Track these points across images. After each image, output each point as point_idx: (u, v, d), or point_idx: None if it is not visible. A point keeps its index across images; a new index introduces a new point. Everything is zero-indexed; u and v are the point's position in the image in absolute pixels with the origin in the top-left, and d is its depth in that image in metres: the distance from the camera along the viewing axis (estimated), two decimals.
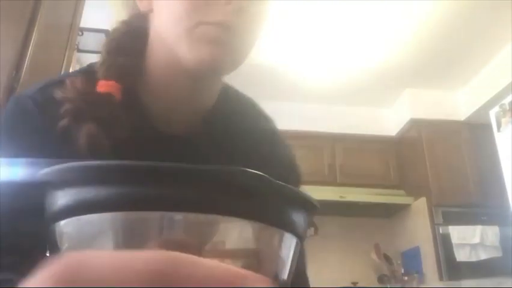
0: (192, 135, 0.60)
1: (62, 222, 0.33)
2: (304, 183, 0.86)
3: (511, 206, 2.77)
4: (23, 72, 1.39)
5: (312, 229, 3.75)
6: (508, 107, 2.89)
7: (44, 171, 0.32)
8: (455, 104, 3.84)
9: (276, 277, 0.36)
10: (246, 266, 0.32)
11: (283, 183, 0.32)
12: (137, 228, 0.30)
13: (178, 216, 0.29)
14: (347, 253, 3.77)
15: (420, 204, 3.48)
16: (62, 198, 0.34)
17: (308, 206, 0.36)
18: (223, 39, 0.50)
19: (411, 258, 3.52)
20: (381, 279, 3.53)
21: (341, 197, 3.47)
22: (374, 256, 3.61)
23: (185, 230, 0.30)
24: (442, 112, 3.77)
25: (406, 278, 3.48)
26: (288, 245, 0.36)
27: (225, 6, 0.49)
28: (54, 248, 0.36)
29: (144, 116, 0.57)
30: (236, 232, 0.31)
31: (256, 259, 0.33)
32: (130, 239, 0.31)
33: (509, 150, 2.80)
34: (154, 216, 0.29)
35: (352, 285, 3.53)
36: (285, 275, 0.37)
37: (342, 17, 2.95)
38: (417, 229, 3.50)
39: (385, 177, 3.77)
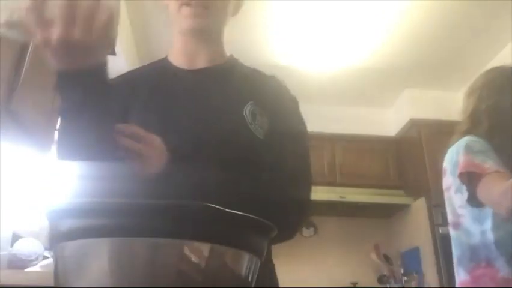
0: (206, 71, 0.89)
1: (60, 246, 0.41)
2: None
3: None
4: (23, 72, 1.39)
5: (312, 229, 3.75)
6: None
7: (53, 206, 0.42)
8: (455, 104, 3.82)
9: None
10: (203, 282, 0.38)
11: (240, 213, 0.40)
12: (127, 251, 0.39)
13: (156, 240, 0.38)
14: (347, 253, 3.76)
15: (420, 205, 3.47)
16: (63, 225, 0.41)
17: (264, 227, 0.44)
18: (195, 12, 0.84)
19: (411, 259, 3.52)
20: (381, 279, 3.53)
21: (340, 197, 3.47)
22: (373, 256, 3.61)
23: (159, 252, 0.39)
24: (442, 112, 3.76)
25: (406, 278, 3.48)
26: (245, 262, 0.42)
27: None
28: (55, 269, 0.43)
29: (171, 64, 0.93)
30: (198, 253, 0.39)
31: (212, 276, 0.39)
32: (120, 260, 0.39)
33: None
34: (139, 241, 0.38)
35: (352, 286, 3.53)
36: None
37: (342, 18, 2.95)
38: (417, 229, 3.49)
39: (385, 178, 3.76)
